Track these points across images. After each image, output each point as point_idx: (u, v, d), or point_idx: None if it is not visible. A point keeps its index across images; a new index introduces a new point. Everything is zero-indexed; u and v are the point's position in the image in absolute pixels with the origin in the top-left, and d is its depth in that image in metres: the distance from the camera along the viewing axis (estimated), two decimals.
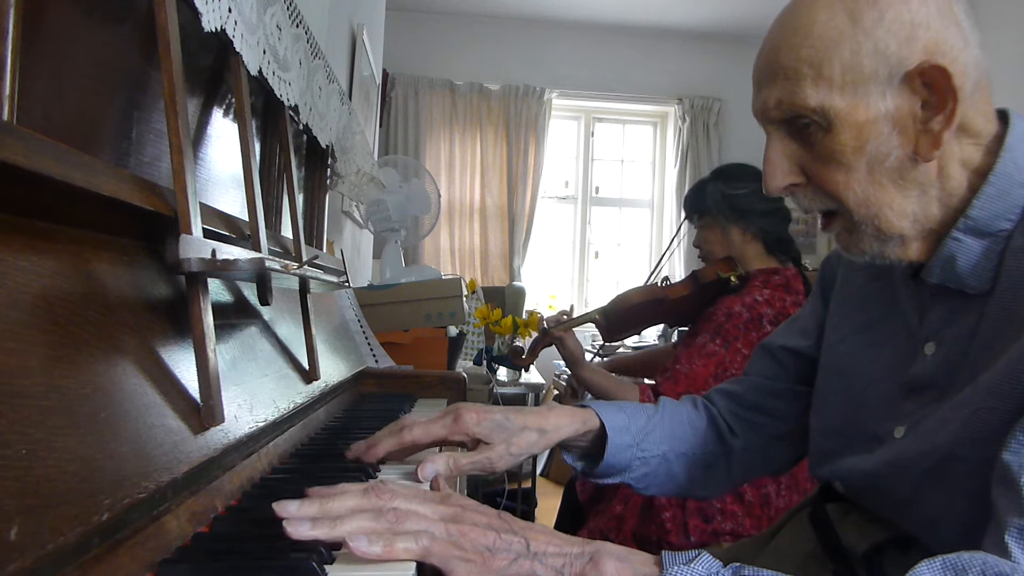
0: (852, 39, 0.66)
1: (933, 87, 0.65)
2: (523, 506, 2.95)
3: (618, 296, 1.77)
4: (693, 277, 1.74)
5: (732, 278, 1.67)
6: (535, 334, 1.92)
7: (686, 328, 1.87)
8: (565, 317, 1.78)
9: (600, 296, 5.12)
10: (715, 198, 1.71)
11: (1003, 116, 0.71)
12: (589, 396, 1.76)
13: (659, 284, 1.78)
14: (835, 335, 0.88)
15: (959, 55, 0.66)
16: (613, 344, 3.74)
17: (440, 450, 0.82)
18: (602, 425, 0.86)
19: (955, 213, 0.69)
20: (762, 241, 1.72)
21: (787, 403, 0.94)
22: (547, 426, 0.82)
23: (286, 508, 0.54)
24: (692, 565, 0.52)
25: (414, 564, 0.54)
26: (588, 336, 4.24)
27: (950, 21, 0.66)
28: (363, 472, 0.74)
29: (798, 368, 0.94)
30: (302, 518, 0.54)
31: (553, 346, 1.74)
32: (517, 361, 1.82)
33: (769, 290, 1.63)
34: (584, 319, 1.77)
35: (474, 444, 0.79)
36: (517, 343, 1.90)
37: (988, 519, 0.59)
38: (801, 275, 1.71)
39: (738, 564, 0.53)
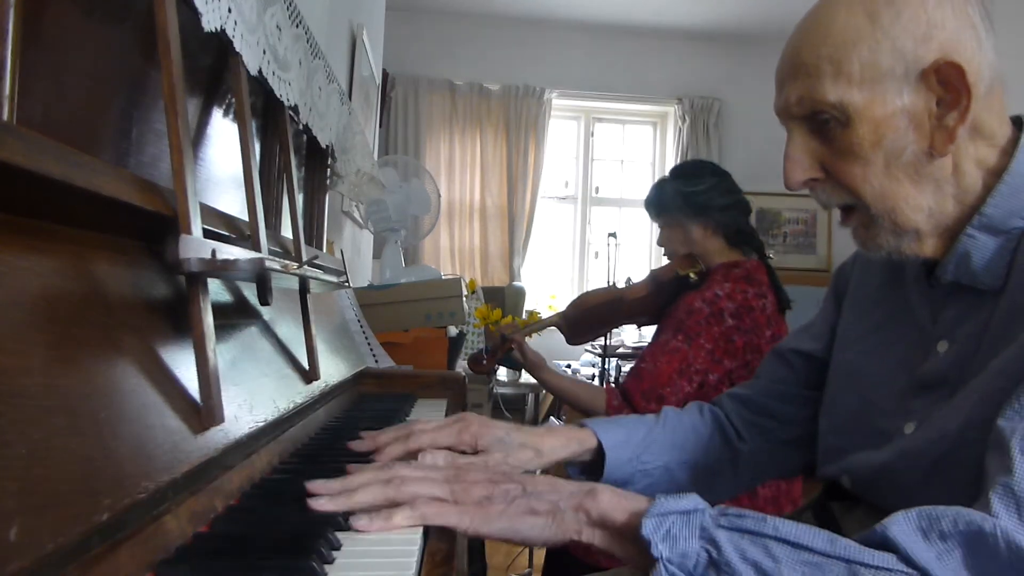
0: (871, 37, 0.68)
1: (947, 84, 0.67)
2: None
3: (577, 298, 1.79)
4: (652, 276, 1.75)
5: (691, 275, 1.67)
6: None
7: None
8: (522, 325, 1.81)
9: None
10: (673, 197, 1.71)
11: (1017, 122, 0.73)
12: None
13: (618, 285, 1.79)
14: (847, 337, 0.89)
15: (973, 56, 0.68)
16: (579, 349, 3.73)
17: None
18: (600, 443, 0.88)
19: (970, 211, 0.71)
20: (723, 235, 1.71)
21: (796, 407, 0.95)
22: (543, 447, 0.85)
23: (314, 483, 0.62)
24: (681, 499, 0.56)
25: (416, 549, 0.55)
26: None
27: (965, 24, 0.68)
28: None
29: (808, 372, 0.95)
30: (328, 493, 0.61)
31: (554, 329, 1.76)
32: (478, 368, 1.80)
33: (730, 283, 1.61)
34: (545, 323, 1.79)
35: (474, 452, 0.82)
36: (479, 349, 1.90)
37: None
38: (764, 266, 1.70)
39: (723, 506, 0.56)
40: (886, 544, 0.52)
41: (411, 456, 0.81)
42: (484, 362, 1.77)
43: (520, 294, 4.17)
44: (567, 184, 5.20)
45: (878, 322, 0.85)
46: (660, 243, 1.80)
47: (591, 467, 0.91)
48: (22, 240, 0.47)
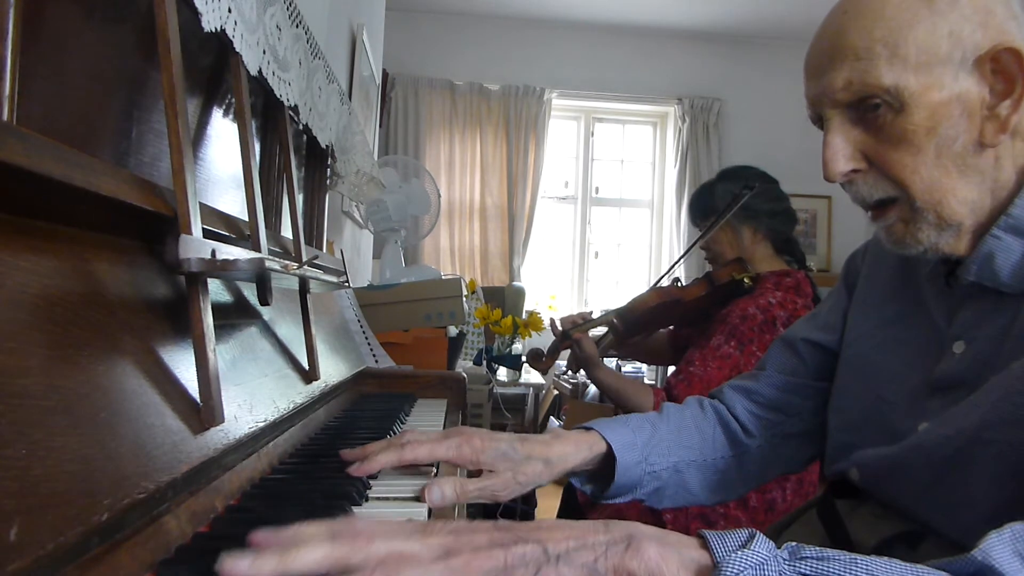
0: (928, 20, 0.67)
1: (1002, 72, 0.66)
2: (523, 506, 2.95)
3: (635, 299, 1.77)
4: (708, 279, 1.74)
5: (746, 280, 1.68)
6: (535, 334, 1.92)
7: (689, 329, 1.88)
8: (581, 320, 1.79)
9: (599, 296, 5.12)
10: (723, 198, 1.70)
11: None
12: (589, 395, 1.76)
13: (673, 286, 1.78)
14: (858, 330, 0.88)
15: (1020, 44, 0.67)
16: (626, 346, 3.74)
17: (436, 469, 0.80)
18: (609, 447, 0.84)
19: (1000, 208, 0.69)
20: (771, 242, 1.73)
21: (804, 399, 0.93)
22: (552, 456, 0.79)
23: (237, 566, 0.43)
24: (752, 548, 0.46)
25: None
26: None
27: (1011, 13, 0.68)
28: (359, 479, 0.73)
29: (818, 363, 0.93)
30: (264, 544, 0.45)
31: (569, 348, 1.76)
32: (538, 365, 1.84)
33: (781, 292, 1.63)
34: (600, 321, 1.78)
35: (476, 469, 0.76)
36: (534, 347, 1.90)
37: (1014, 503, 0.59)
38: (808, 278, 1.71)
39: (795, 544, 0.48)
40: (986, 573, 0.46)
41: (404, 467, 0.75)
42: (544, 359, 1.83)
43: (520, 294, 4.17)
44: (567, 184, 5.20)
45: (890, 318, 0.83)
46: (704, 246, 1.79)
47: (598, 474, 0.87)
48: (22, 240, 0.47)
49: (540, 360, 1.83)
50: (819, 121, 0.75)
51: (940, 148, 0.68)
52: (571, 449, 0.81)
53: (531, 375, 3.48)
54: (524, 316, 3.56)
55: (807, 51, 0.75)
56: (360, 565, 0.44)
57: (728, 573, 0.45)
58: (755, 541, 0.46)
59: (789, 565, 0.45)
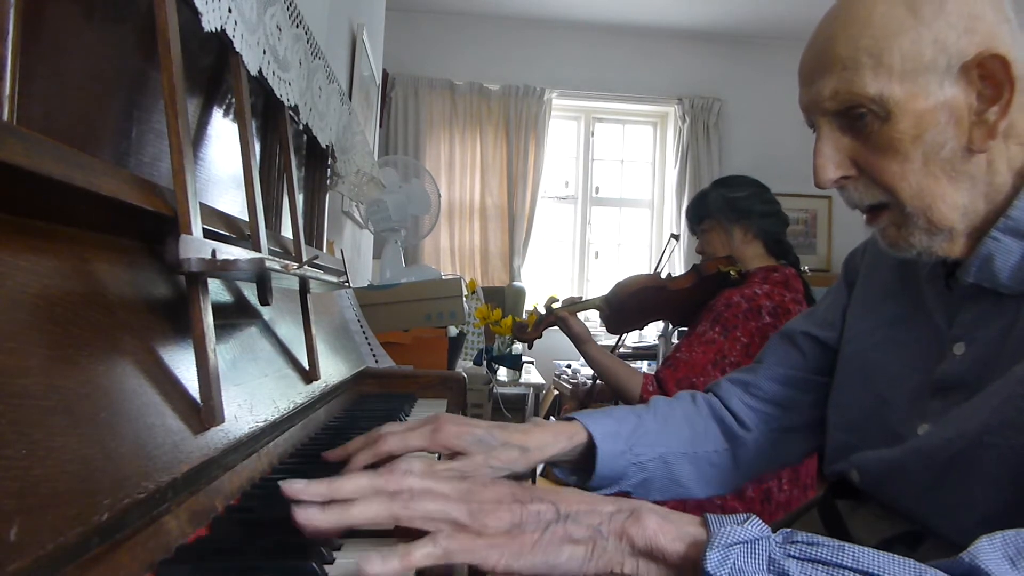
0: (913, 29, 0.67)
1: (989, 78, 0.67)
2: None
3: (620, 282, 1.81)
4: (694, 269, 1.79)
5: (732, 272, 1.72)
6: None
7: (686, 328, 1.91)
8: (570, 303, 1.84)
9: None
10: (717, 202, 1.77)
11: None
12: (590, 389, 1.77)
13: (661, 275, 1.83)
14: (857, 329, 0.88)
15: (1010, 50, 0.67)
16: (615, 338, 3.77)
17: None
18: (590, 436, 0.83)
19: (998, 211, 0.69)
20: (762, 242, 1.77)
21: (802, 393, 0.93)
22: (530, 444, 0.77)
23: (293, 486, 0.52)
24: (745, 526, 0.48)
25: None
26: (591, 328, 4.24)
27: (1002, 17, 0.68)
28: None
29: (818, 357, 0.93)
30: (311, 500, 0.51)
31: (558, 328, 1.80)
32: (522, 335, 1.88)
33: (769, 285, 1.67)
34: (589, 304, 1.83)
35: (452, 457, 0.75)
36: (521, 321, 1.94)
37: (1014, 506, 0.59)
38: (800, 277, 1.74)
39: (789, 530, 0.49)
40: (974, 573, 0.47)
41: (381, 463, 0.73)
42: (529, 331, 1.87)
43: (520, 294, 4.17)
44: (567, 184, 5.20)
45: (889, 318, 0.83)
46: (699, 249, 1.85)
47: (581, 466, 0.86)
48: (22, 240, 0.47)
49: (525, 332, 1.87)
50: (814, 127, 0.76)
51: (927, 155, 0.69)
52: (549, 438, 0.80)
53: (531, 375, 3.48)
54: (524, 316, 3.56)
55: (801, 57, 0.76)
56: (396, 491, 0.52)
57: (720, 542, 0.47)
58: (750, 521, 0.49)
59: (780, 548, 0.47)
